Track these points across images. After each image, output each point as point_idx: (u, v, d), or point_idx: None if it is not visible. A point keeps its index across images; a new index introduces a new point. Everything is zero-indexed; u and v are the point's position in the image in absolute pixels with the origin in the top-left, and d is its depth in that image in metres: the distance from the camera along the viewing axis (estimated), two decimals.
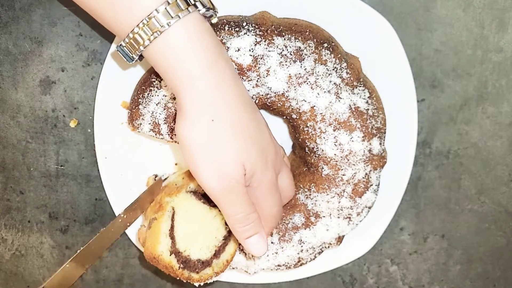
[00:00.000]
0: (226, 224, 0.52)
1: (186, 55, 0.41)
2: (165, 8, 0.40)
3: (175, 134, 0.53)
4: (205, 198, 0.51)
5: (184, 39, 0.41)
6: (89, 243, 0.49)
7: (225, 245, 0.52)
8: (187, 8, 0.41)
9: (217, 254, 0.52)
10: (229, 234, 0.53)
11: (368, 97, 0.53)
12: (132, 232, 0.62)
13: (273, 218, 0.49)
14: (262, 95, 0.52)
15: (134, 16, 0.40)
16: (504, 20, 0.60)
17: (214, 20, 0.46)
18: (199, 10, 0.43)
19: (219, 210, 0.51)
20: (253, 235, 0.47)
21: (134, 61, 0.44)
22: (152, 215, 0.51)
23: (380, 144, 0.54)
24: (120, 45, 0.43)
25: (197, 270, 0.50)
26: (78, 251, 0.49)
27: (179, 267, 0.50)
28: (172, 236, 0.49)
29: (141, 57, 0.44)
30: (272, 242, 0.56)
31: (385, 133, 0.55)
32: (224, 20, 0.51)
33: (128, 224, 0.53)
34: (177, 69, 0.41)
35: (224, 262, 0.52)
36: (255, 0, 0.54)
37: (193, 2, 0.42)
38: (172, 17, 0.40)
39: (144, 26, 0.40)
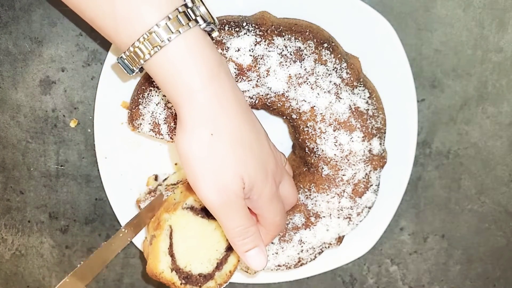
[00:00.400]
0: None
1: (186, 69, 0.41)
2: (166, 24, 0.40)
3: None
4: (204, 212, 0.51)
5: (185, 53, 0.41)
6: (88, 258, 0.49)
7: (227, 257, 0.52)
8: (187, 24, 0.41)
9: (219, 266, 0.52)
10: (230, 245, 0.53)
11: (368, 97, 0.53)
12: None
13: (276, 227, 0.49)
14: (262, 95, 0.52)
15: (135, 30, 0.40)
16: (504, 20, 0.60)
17: (215, 34, 0.46)
18: (199, 25, 0.42)
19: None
20: (253, 248, 0.47)
21: (134, 73, 0.45)
22: (152, 231, 0.51)
23: (380, 144, 0.54)
24: (121, 57, 0.43)
25: (199, 284, 0.51)
26: (78, 266, 0.48)
27: (181, 283, 0.50)
28: (171, 254, 0.50)
29: (141, 68, 0.44)
30: (272, 242, 0.56)
31: (385, 133, 0.55)
32: (224, 20, 0.51)
33: (129, 239, 0.53)
34: (177, 82, 0.41)
35: (227, 273, 0.52)
36: (255, 0, 0.54)
37: (194, 17, 0.42)
38: (172, 32, 0.40)
39: (144, 40, 0.40)
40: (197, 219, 0.51)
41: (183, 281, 0.50)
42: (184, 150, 0.43)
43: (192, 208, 0.51)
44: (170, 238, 0.50)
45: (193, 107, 0.42)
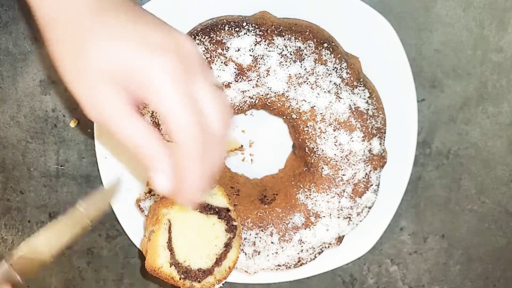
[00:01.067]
0: (226, 231, 0.52)
1: None
2: None
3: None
4: (202, 207, 0.51)
5: None
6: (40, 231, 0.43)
7: (226, 252, 0.52)
8: None
9: (218, 262, 0.52)
10: (230, 241, 0.53)
11: (368, 97, 0.53)
12: (132, 232, 0.62)
13: (184, 135, 0.34)
14: (262, 95, 0.52)
15: None
16: (504, 20, 0.60)
17: None
18: None
19: (218, 218, 0.51)
20: (154, 169, 0.36)
21: None
22: (151, 227, 0.51)
23: (380, 144, 0.54)
24: None
25: (198, 279, 0.51)
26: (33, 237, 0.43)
27: (180, 278, 0.50)
28: (170, 248, 0.50)
29: None
30: (272, 242, 0.57)
31: (385, 133, 0.55)
32: (224, 20, 0.51)
33: (89, 221, 0.46)
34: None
35: (226, 269, 0.52)
36: (255, 0, 0.55)
37: None
38: None
39: None
40: (195, 214, 0.51)
41: (182, 276, 0.50)
42: (57, 62, 0.36)
43: None
44: (169, 232, 0.50)
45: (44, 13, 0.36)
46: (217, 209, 0.52)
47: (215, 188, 0.53)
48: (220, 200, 0.52)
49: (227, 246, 0.52)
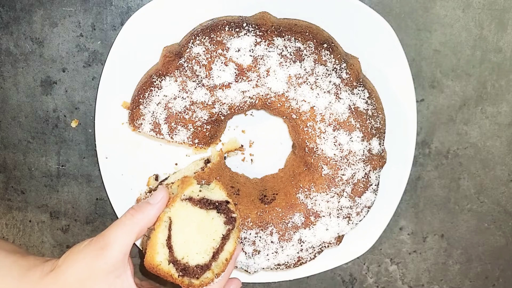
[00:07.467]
0: (225, 223, 0.52)
1: None
2: None
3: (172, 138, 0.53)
4: (202, 203, 0.51)
5: None
6: None
7: (223, 245, 0.53)
8: None
9: (215, 255, 0.52)
10: (229, 232, 0.53)
11: (368, 97, 0.53)
12: None
13: None
14: (262, 95, 0.52)
15: None
16: (503, 20, 0.60)
17: None
18: None
19: (217, 212, 0.51)
20: None
21: None
22: (151, 226, 0.51)
23: (380, 144, 0.54)
24: None
25: (197, 276, 0.51)
26: None
27: (178, 275, 0.50)
28: (169, 246, 0.50)
29: None
30: (272, 242, 0.57)
31: (384, 133, 0.55)
32: (224, 21, 0.51)
33: None
34: None
35: (223, 261, 0.52)
36: (255, 1, 0.55)
37: None
38: None
39: None
40: (195, 210, 0.51)
41: (181, 273, 0.50)
42: None
43: (190, 199, 0.51)
44: (169, 230, 0.50)
45: None
46: (216, 203, 0.52)
47: (212, 183, 0.53)
48: (218, 193, 0.52)
49: (224, 238, 0.52)
